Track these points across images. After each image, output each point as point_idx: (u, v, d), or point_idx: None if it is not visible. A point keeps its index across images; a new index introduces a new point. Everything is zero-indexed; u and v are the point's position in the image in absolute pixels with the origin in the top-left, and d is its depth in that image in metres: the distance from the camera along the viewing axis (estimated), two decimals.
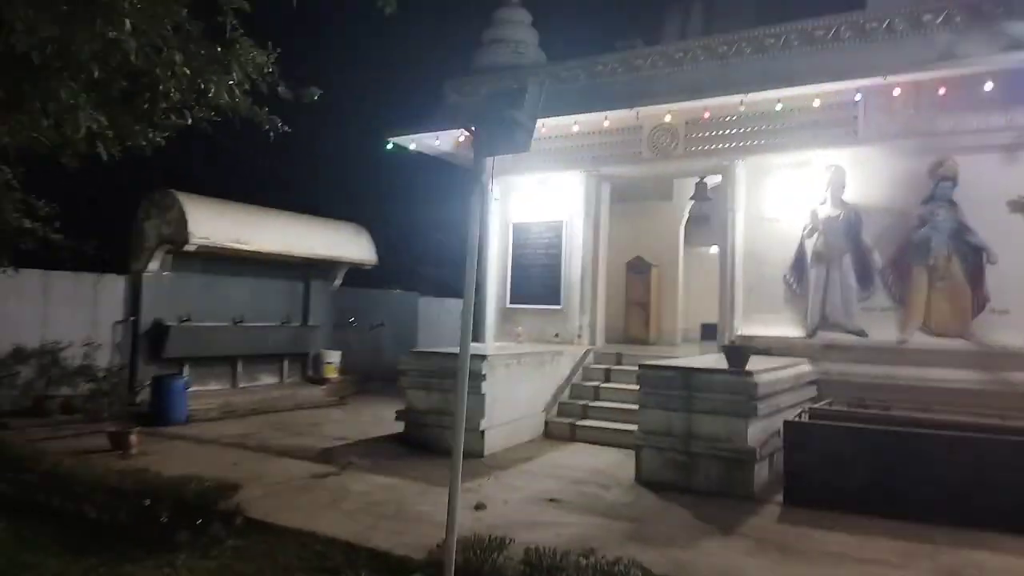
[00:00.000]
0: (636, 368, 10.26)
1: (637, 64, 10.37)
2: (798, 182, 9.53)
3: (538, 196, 11.68)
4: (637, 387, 9.88)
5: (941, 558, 5.15)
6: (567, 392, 10.24)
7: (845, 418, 7.01)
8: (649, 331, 14.00)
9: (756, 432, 6.96)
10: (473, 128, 4.56)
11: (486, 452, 8.31)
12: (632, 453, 8.35)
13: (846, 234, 9.13)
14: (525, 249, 11.75)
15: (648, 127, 10.62)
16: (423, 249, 20.95)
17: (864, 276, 9.04)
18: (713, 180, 11.65)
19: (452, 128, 11.05)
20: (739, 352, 7.20)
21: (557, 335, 11.28)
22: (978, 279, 8.39)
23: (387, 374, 12.28)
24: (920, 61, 8.21)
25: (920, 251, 8.66)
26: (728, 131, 9.98)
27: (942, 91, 8.34)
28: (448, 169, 13.14)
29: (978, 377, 8.19)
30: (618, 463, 8.09)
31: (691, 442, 7.07)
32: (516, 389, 9.07)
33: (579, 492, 6.88)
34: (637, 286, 13.99)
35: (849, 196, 9.17)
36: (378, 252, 14.27)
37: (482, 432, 8.33)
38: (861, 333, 9.00)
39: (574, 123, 10.48)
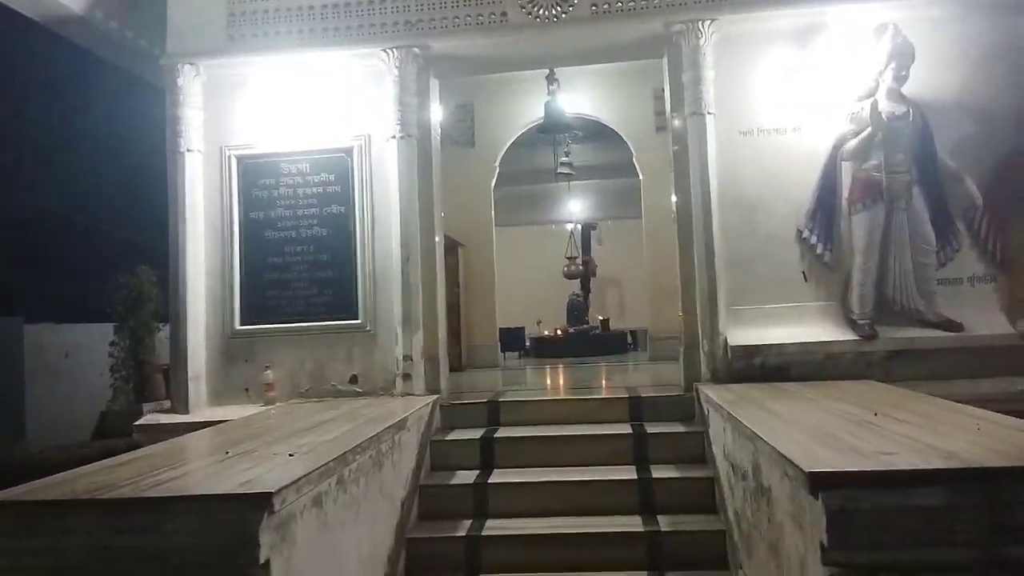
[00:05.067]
0: (541, 434, 5.23)
1: None
2: (816, 60, 5.29)
3: (293, 101, 5.79)
4: (569, 475, 4.83)
5: None
6: (414, 510, 4.65)
7: None
8: (461, 348, 8.87)
9: None
10: None
11: None
12: None
13: (914, 150, 5.13)
14: (272, 210, 5.76)
15: None
16: (31, 246, 12.49)
17: (943, 224, 5.14)
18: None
19: None
20: None
21: (355, 379, 5.57)
22: None
23: None
24: None
25: None
26: None
27: None
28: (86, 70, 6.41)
29: None
30: None
31: None
32: (340, 555, 3.32)
33: None
34: None
35: (912, 86, 5.18)
36: None
37: None
38: (950, 325, 5.07)
39: None
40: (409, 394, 5.42)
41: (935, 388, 4.71)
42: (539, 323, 12.46)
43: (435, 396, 5.41)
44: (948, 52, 5.14)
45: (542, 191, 13.15)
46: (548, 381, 8.13)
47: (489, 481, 4.74)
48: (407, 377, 5.46)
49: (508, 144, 9.14)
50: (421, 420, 4.92)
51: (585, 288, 12.96)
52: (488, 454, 5.01)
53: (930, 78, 5.15)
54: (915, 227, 5.08)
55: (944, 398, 4.24)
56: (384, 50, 5.59)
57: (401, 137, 5.57)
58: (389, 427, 4.10)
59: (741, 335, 5.19)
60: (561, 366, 9.27)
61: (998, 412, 3.73)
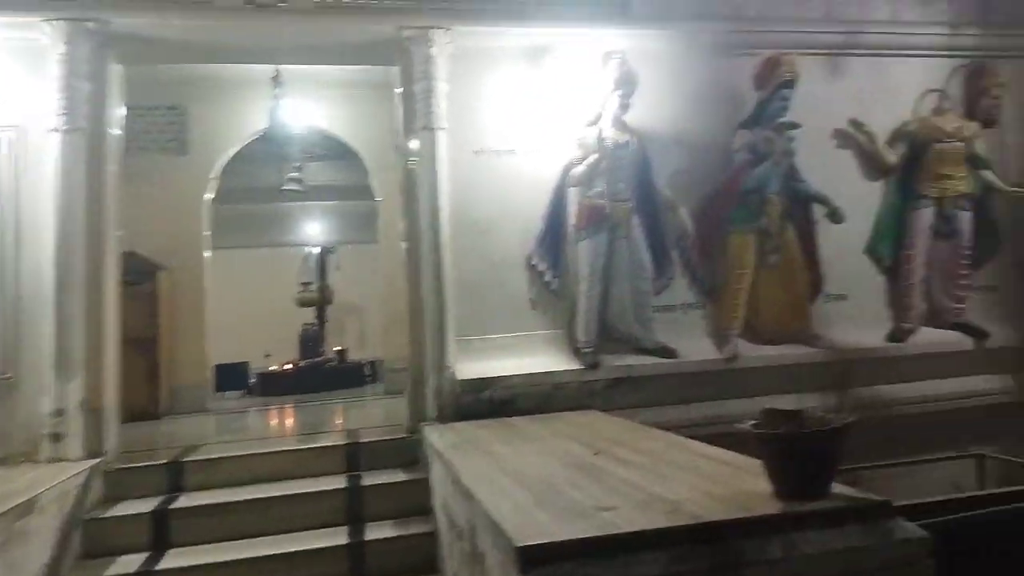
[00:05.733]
0: (235, 499, 4.32)
1: None
2: (547, 83, 5.14)
3: None
4: (265, 549, 3.93)
5: None
6: None
7: None
8: (159, 391, 7.48)
9: None
10: None
11: None
12: None
13: (635, 179, 5.17)
14: None
15: None
16: None
17: (660, 252, 5.23)
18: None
19: None
20: None
21: None
22: (812, 250, 5.48)
23: None
24: None
25: (749, 206, 5.31)
26: None
27: None
28: None
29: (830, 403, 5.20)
30: None
31: None
32: None
33: None
34: (132, 307, 7.25)
35: (634, 116, 5.22)
36: None
37: None
38: (665, 351, 5.14)
39: None
40: (61, 459, 4.21)
41: (652, 415, 4.73)
42: (268, 356, 11.26)
43: (96, 460, 4.26)
44: (667, 86, 5.31)
45: (274, 211, 12.05)
46: (267, 425, 7.15)
47: (158, 568, 3.74)
48: (57, 437, 4.24)
49: (230, 154, 8.03)
50: (67, 495, 3.79)
51: (321, 317, 12.03)
52: (162, 531, 4.00)
53: (650, 110, 5.26)
54: (634, 255, 5.13)
55: (659, 424, 4.22)
56: (47, 21, 4.40)
57: (66, 130, 4.41)
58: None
59: (470, 368, 4.81)
60: (289, 405, 8.29)
61: (707, 436, 3.74)
